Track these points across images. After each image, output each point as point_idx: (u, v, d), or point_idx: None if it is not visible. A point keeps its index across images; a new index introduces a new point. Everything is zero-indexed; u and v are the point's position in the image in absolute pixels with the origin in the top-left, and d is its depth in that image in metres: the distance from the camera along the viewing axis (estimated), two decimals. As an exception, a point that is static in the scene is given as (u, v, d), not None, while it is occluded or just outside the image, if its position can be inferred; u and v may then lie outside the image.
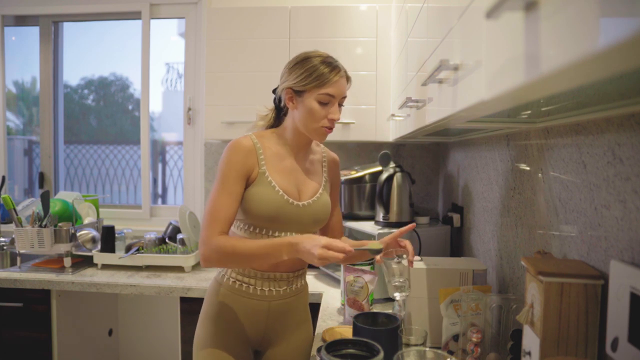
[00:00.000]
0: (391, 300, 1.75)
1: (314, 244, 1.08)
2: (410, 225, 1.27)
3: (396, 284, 1.18)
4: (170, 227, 2.30)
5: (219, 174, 1.22)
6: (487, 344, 1.10)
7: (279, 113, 1.35)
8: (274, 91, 1.35)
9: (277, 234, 1.26)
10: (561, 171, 0.96)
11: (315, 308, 1.85)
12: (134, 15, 2.68)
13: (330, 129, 1.27)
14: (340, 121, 2.08)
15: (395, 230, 1.27)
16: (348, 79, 1.29)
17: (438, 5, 0.92)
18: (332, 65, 1.24)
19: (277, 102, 1.34)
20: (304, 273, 1.38)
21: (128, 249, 2.19)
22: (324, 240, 1.08)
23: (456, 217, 1.82)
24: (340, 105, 1.28)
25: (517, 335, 0.98)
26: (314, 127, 1.25)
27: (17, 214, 2.15)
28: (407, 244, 1.23)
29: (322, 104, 1.23)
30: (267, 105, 1.39)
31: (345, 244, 1.09)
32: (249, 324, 1.29)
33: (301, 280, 1.36)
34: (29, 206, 2.49)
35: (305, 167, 1.34)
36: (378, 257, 1.20)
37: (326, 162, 1.41)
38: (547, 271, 0.78)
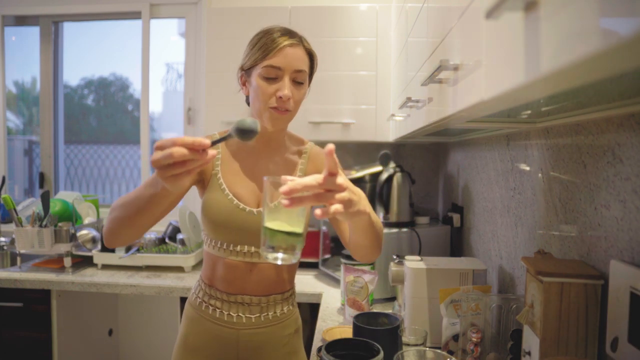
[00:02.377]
0: (391, 300, 1.75)
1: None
2: (329, 148, 0.70)
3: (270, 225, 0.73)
4: (170, 227, 2.30)
5: None
6: (487, 344, 1.10)
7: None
8: None
9: (239, 248, 1.09)
10: (561, 171, 0.96)
11: (315, 308, 1.85)
12: (134, 15, 2.68)
13: (282, 110, 1.04)
14: (340, 121, 2.08)
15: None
16: (310, 52, 1.07)
17: (438, 5, 0.92)
18: (283, 32, 1.03)
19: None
20: (287, 299, 1.17)
21: (128, 249, 2.19)
22: (161, 141, 0.69)
23: (456, 217, 1.82)
24: (298, 82, 1.05)
25: (517, 335, 0.98)
26: (261, 109, 1.04)
27: (17, 214, 2.15)
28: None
29: (268, 79, 1.02)
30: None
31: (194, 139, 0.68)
32: (219, 355, 1.11)
33: (282, 308, 1.15)
34: (29, 206, 2.49)
35: (268, 168, 1.12)
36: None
37: (305, 162, 1.17)
38: (547, 271, 0.78)
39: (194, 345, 1.13)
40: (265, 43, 1.02)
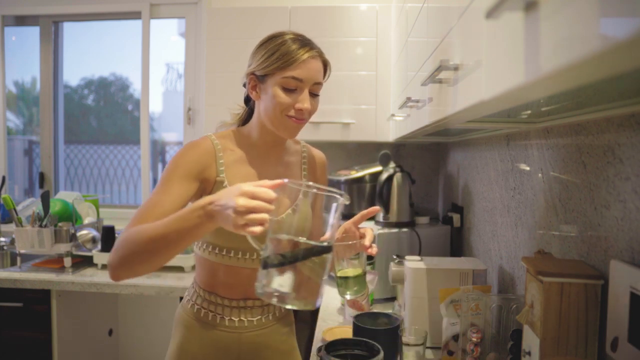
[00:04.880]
0: (391, 300, 1.75)
1: (232, 193, 0.77)
2: (372, 209, 1.07)
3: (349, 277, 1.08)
4: (170, 227, 2.30)
5: (162, 174, 0.99)
6: (487, 344, 1.10)
7: (251, 110, 1.15)
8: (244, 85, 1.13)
9: (240, 255, 1.05)
10: (561, 171, 0.96)
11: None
12: (134, 15, 2.68)
13: (300, 120, 1.03)
14: (340, 121, 2.08)
15: (357, 215, 1.08)
16: (325, 63, 1.07)
17: (438, 5, 0.92)
18: (302, 42, 1.01)
19: (246, 96, 1.14)
20: None
21: (128, 249, 2.19)
22: (246, 186, 0.77)
23: (456, 217, 1.82)
24: (314, 94, 1.04)
25: (517, 335, 0.98)
26: (277, 117, 1.02)
27: (17, 214, 2.15)
28: (367, 230, 1.06)
29: (288, 90, 1.00)
30: (241, 103, 1.20)
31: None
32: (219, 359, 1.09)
33: (280, 307, 1.14)
34: (29, 206, 2.49)
35: (277, 172, 1.11)
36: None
37: (306, 162, 1.19)
38: (547, 271, 0.78)
39: (192, 353, 1.10)
40: (285, 52, 0.99)
